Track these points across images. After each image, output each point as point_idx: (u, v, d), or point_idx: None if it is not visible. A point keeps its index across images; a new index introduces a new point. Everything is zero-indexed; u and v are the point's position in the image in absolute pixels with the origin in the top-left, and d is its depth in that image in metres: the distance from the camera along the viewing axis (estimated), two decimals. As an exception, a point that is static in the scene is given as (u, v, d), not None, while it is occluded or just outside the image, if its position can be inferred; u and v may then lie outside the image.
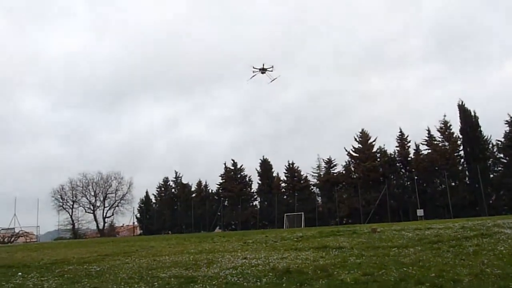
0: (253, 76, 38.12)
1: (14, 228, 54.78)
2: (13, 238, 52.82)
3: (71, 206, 66.65)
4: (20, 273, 12.05)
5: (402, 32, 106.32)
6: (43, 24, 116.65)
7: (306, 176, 56.80)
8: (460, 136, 46.70)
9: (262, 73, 37.99)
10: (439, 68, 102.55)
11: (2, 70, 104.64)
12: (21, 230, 55.30)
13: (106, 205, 68.58)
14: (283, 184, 58.50)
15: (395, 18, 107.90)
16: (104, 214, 68.24)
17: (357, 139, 53.09)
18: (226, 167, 61.97)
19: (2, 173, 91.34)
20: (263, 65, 37.90)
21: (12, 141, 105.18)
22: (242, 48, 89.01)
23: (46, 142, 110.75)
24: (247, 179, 61.19)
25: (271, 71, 38.20)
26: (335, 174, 54.62)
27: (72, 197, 67.06)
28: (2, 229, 54.19)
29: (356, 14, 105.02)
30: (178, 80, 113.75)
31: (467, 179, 46.76)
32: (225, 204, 60.72)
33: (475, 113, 45.75)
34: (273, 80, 38.36)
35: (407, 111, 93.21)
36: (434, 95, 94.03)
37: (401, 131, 51.25)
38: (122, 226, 70.70)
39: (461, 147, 46.93)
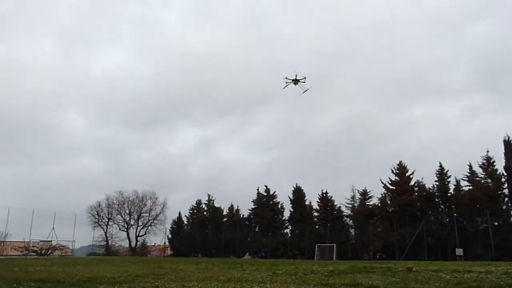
0: (286, 86, 38.56)
1: (51, 241, 56.78)
2: (49, 251, 54.70)
3: (106, 223, 68.73)
4: (54, 289, 12.36)
5: (444, 59, 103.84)
6: (88, 45, 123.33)
7: (340, 207, 55.64)
8: (505, 174, 44.57)
9: (295, 84, 38.31)
10: (484, 99, 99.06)
11: (49, 88, 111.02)
12: (58, 244, 57.18)
13: (140, 224, 70.19)
14: (315, 213, 57.52)
15: (438, 45, 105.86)
16: (137, 232, 69.71)
17: (394, 171, 51.75)
18: (258, 193, 61.83)
19: (44, 187, 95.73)
20: (296, 75, 38.28)
21: (55, 156, 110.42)
22: (279, 73, 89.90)
23: (85, 158, 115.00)
24: (279, 206, 60.56)
25: (304, 82, 38.45)
26: (370, 206, 53.22)
27: (108, 215, 69.22)
28: (40, 241, 56.33)
29: (397, 40, 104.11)
30: (215, 103, 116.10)
31: (511, 219, 44.33)
32: (256, 230, 60.31)
33: (521, 149, 43.73)
34: (305, 91, 38.53)
35: (448, 143, 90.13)
36: (477, 127, 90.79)
37: (440, 165, 49.54)
38: (153, 245, 71.56)
39: (505, 185, 44.66)
